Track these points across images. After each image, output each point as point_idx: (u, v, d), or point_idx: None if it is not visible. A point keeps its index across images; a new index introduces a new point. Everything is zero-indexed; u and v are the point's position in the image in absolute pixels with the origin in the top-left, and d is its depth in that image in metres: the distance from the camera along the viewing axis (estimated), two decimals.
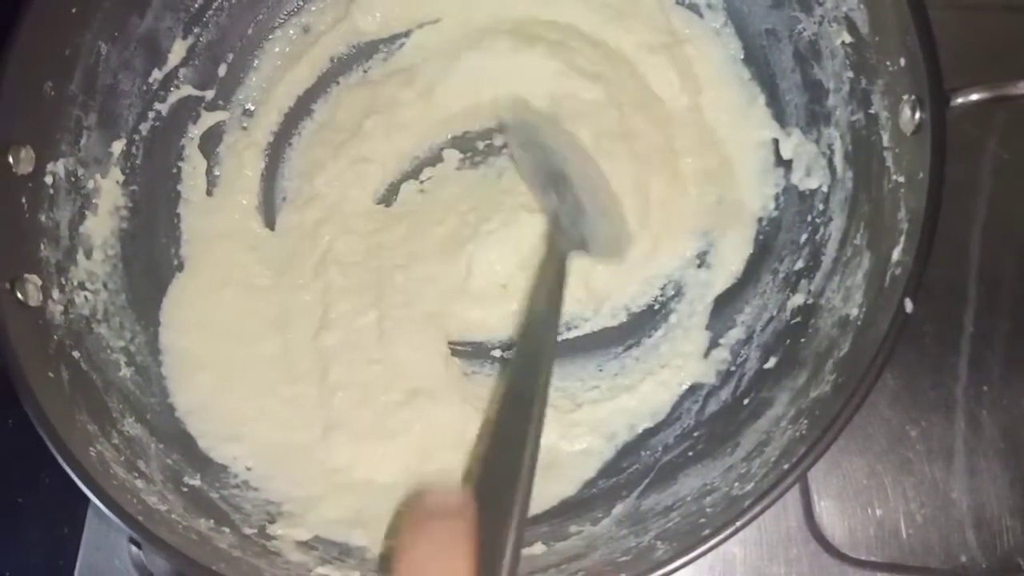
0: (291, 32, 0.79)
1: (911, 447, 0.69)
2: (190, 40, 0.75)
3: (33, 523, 0.74)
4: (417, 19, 0.78)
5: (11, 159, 0.61)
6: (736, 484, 0.54)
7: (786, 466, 0.50)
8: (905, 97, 0.55)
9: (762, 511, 0.49)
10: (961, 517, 0.67)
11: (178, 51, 0.75)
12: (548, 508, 0.63)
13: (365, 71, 0.78)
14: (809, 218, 0.66)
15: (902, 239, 0.54)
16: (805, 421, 0.54)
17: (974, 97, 0.53)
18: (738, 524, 0.49)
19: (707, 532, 0.50)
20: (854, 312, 0.57)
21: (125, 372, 0.66)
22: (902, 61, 0.56)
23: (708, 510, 0.54)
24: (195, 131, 0.76)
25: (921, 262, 0.50)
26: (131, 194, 0.72)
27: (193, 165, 0.76)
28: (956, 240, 0.73)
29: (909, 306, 0.50)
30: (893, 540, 0.67)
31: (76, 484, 0.57)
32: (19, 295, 0.60)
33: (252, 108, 0.78)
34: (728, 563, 0.67)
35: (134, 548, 0.70)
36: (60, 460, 0.54)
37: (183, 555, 0.52)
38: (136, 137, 0.73)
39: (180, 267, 0.73)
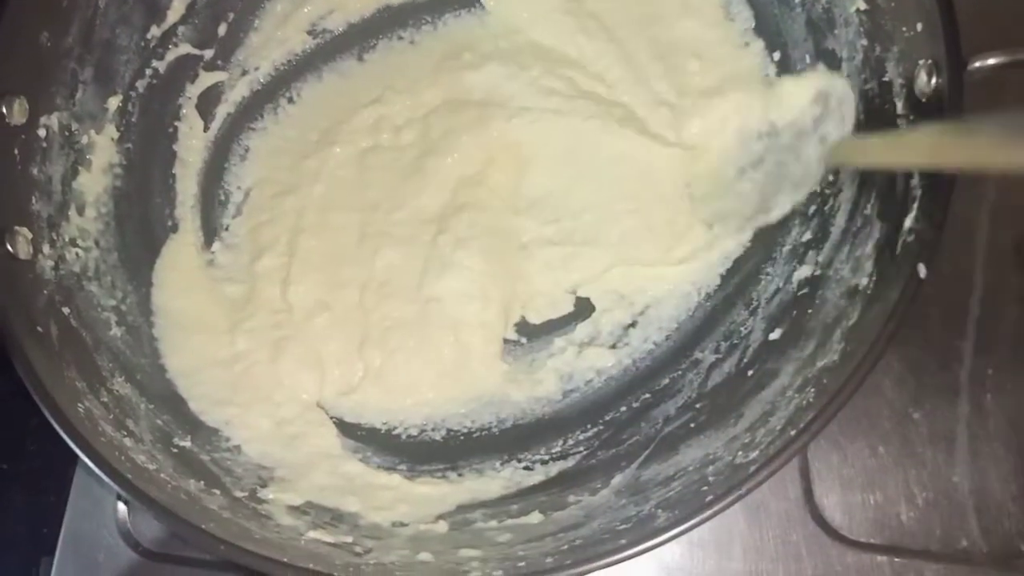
0: None
1: (914, 430, 0.68)
2: None
3: (17, 491, 0.73)
4: None
5: (4, 109, 0.60)
6: (740, 453, 0.53)
7: (792, 432, 0.49)
8: (921, 62, 0.54)
9: (767, 477, 0.48)
10: (963, 501, 0.66)
11: (177, 8, 0.73)
12: (547, 479, 0.63)
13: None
14: (818, 189, 0.65)
15: (915, 206, 0.53)
16: (812, 390, 0.53)
17: (991, 61, 0.52)
18: (742, 490, 0.48)
19: (710, 499, 0.49)
20: (863, 282, 0.56)
21: (116, 331, 0.65)
22: (919, 26, 0.54)
23: (711, 479, 0.53)
24: (193, 91, 0.75)
25: (938, 227, 0.49)
26: (126, 152, 0.71)
27: (190, 125, 0.75)
28: (964, 223, 0.72)
29: (923, 271, 0.49)
30: (893, 523, 0.66)
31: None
32: (9, 247, 0.58)
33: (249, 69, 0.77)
34: (727, 545, 0.66)
35: (120, 515, 0.68)
36: (47, 414, 0.53)
37: (172, 514, 0.51)
38: (132, 94, 0.71)
39: (174, 228, 0.72)
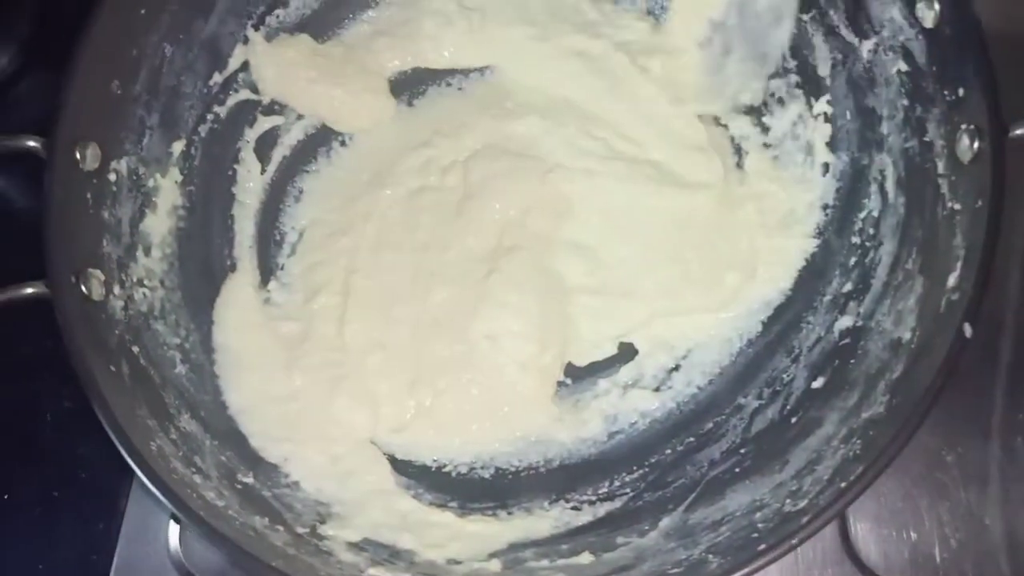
0: None
1: (947, 472, 0.70)
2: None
3: (69, 518, 0.74)
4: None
5: (79, 155, 0.63)
6: (788, 501, 0.55)
7: (842, 484, 0.51)
8: (963, 126, 0.56)
9: (820, 527, 0.49)
10: (995, 543, 0.68)
11: (239, 55, 0.76)
12: (595, 519, 0.65)
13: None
14: (858, 241, 0.67)
15: (959, 265, 0.54)
16: (858, 441, 0.55)
17: None
18: (794, 540, 0.50)
19: (763, 547, 0.51)
20: (907, 336, 0.58)
21: (180, 369, 0.67)
22: (960, 91, 0.57)
23: (760, 525, 0.54)
24: (251, 135, 0.78)
25: (980, 288, 0.51)
26: (188, 194, 0.73)
27: (248, 168, 0.77)
28: (995, 271, 0.72)
29: (968, 331, 0.51)
30: (928, 564, 0.67)
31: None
32: (83, 288, 0.61)
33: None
34: None
35: (172, 544, 0.70)
36: (124, 454, 0.54)
37: (244, 551, 0.53)
38: (195, 138, 0.74)
39: (233, 267, 0.74)
